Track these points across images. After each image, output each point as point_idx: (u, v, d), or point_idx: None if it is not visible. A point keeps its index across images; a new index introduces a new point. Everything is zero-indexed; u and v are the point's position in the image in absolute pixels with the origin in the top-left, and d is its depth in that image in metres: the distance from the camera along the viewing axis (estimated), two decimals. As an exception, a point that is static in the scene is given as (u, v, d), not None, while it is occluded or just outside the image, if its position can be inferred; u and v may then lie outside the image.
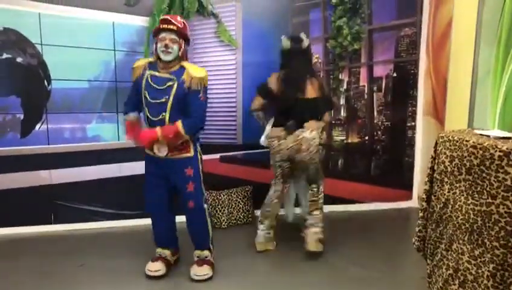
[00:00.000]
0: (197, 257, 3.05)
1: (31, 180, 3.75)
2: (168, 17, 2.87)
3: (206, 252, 3.06)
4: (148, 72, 2.85)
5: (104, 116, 3.84)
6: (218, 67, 3.98)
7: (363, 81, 4.27)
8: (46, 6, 3.62)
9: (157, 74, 2.83)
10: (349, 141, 4.33)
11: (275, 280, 3.00)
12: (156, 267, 2.97)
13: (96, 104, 3.81)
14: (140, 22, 3.76)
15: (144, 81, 2.84)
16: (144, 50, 3.73)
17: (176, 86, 2.79)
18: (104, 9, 3.70)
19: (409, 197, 4.44)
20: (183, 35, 2.84)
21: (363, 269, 3.09)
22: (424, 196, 2.45)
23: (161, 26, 2.80)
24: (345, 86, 4.25)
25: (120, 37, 3.77)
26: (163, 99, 2.78)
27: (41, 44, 3.66)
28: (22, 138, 3.70)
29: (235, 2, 3.95)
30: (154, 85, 2.80)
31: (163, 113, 2.79)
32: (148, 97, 2.81)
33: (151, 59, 2.94)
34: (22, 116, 3.69)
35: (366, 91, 4.28)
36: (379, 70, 4.28)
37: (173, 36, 2.79)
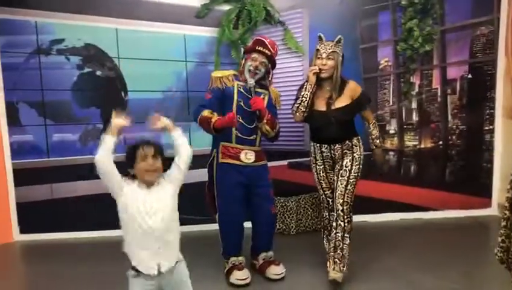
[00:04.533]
0: (263, 259, 3.10)
1: (110, 187, 3.96)
2: (264, 39, 2.99)
3: (271, 253, 3.13)
4: (237, 83, 2.97)
5: (176, 124, 3.97)
6: (285, 74, 4.00)
7: (436, 84, 4.12)
8: (122, 22, 3.84)
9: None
10: (422, 146, 4.18)
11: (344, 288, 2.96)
12: (245, 275, 2.96)
13: (169, 113, 3.93)
14: (209, 33, 3.88)
15: (235, 91, 2.94)
16: (214, 60, 3.84)
17: (267, 98, 3.01)
18: (176, 22, 3.87)
19: (487, 204, 4.21)
20: (273, 62, 2.98)
21: (438, 281, 2.95)
22: (507, 204, 2.30)
23: (256, 47, 2.94)
24: (416, 89, 4.12)
25: (191, 48, 3.92)
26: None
27: (118, 57, 3.88)
28: (102, 146, 3.93)
29: (301, 8, 3.97)
30: (248, 95, 2.93)
31: (257, 123, 2.94)
32: (243, 105, 2.92)
33: (233, 71, 3.05)
34: (101, 126, 3.92)
35: (439, 94, 4.13)
36: (453, 72, 4.11)
37: (264, 60, 2.94)
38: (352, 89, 2.99)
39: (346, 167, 2.94)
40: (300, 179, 4.11)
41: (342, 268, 2.88)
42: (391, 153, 4.20)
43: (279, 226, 3.94)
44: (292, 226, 3.93)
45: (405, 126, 4.17)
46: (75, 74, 3.85)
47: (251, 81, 2.92)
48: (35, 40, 3.78)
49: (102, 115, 3.91)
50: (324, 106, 2.95)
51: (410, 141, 4.18)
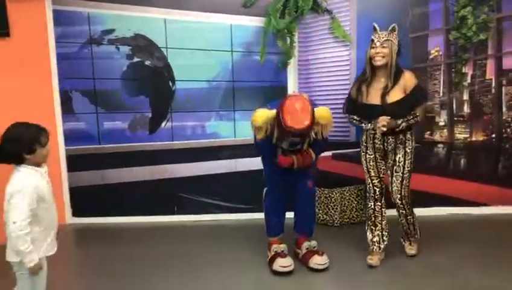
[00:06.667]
0: (307, 248, 3.09)
1: (158, 174, 4.07)
2: (293, 126, 2.60)
3: (314, 242, 3.12)
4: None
5: (221, 114, 4.03)
6: (332, 64, 3.94)
7: (490, 74, 3.94)
8: (170, 12, 3.90)
9: None
10: (473, 139, 4.02)
11: (385, 280, 2.91)
12: (288, 262, 2.96)
13: (215, 103, 4.01)
14: (256, 22, 3.87)
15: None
16: (260, 50, 3.83)
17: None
18: (223, 12, 3.88)
19: (542, 201, 4.01)
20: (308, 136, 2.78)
21: (489, 279, 2.85)
22: None
23: (290, 136, 2.68)
24: (468, 80, 3.96)
25: (237, 38, 3.92)
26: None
27: (166, 47, 3.95)
28: (149, 134, 4.04)
29: (349, -4, 3.89)
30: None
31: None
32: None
33: (270, 115, 2.70)
34: (149, 115, 4.02)
35: (493, 85, 3.95)
36: (509, 62, 3.91)
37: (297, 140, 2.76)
38: (408, 79, 2.95)
39: (399, 162, 3.02)
40: (345, 171, 4.06)
41: (416, 239, 3.19)
42: (440, 145, 4.07)
43: (323, 217, 3.92)
44: (336, 218, 3.89)
45: (456, 118, 4.02)
46: (124, 64, 3.94)
47: (285, 146, 2.78)
48: (87, 31, 3.90)
49: (150, 103, 4.00)
50: (378, 97, 2.93)
51: (460, 134, 4.03)
